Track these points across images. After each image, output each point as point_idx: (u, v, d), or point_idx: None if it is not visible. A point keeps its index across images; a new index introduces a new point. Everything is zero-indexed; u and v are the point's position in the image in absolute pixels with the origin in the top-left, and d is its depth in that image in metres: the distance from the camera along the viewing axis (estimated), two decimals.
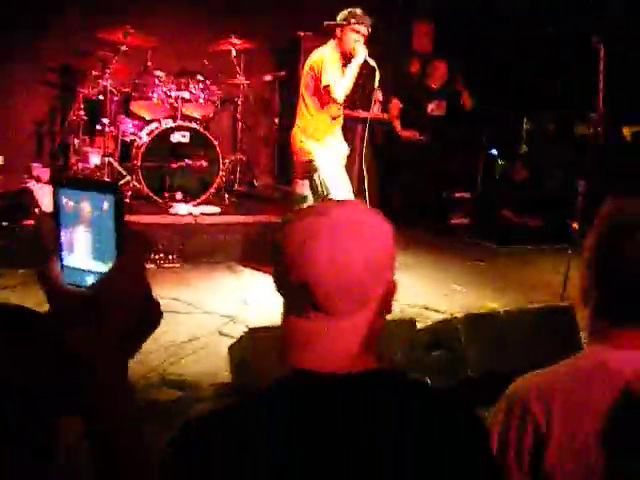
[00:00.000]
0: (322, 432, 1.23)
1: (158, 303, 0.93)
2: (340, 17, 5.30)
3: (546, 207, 7.83)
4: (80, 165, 6.72)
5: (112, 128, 6.76)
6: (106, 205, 0.91)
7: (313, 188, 5.58)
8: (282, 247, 1.28)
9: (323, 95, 5.35)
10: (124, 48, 6.60)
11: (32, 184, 6.59)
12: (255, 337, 3.62)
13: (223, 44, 7.00)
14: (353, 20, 5.23)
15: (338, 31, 5.31)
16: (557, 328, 3.90)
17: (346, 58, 5.34)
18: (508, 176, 8.58)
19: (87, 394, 0.89)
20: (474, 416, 1.36)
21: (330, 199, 5.45)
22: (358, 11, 5.27)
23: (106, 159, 6.57)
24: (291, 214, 1.39)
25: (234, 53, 7.03)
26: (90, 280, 0.92)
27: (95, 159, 6.71)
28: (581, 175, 5.80)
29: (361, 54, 5.24)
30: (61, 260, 0.94)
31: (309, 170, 5.56)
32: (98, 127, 6.85)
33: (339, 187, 5.49)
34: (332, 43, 5.38)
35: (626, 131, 8.39)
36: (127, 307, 0.90)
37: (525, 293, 5.76)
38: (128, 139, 6.91)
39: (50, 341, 0.95)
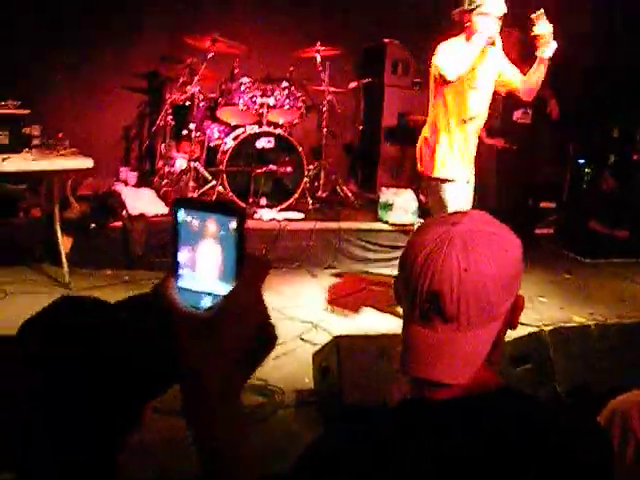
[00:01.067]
0: (457, 451, 1.20)
1: (274, 326, 0.92)
2: (466, 3, 4.55)
3: (635, 218, 7.61)
4: (166, 169, 6.84)
5: (198, 133, 6.87)
6: (231, 227, 0.90)
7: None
8: (412, 254, 1.26)
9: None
10: (211, 55, 6.69)
11: (120, 187, 6.74)
12: (339, 345, 3.60)
13: (308, 51, 7.02)
14: (479, 1, 4.48)
15: (466, 19, 4.57)
16: None
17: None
18: (596, 186, 8.35)
19: (202, 413, 0.90)
20: (605, 435, 1.32)
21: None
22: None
23: (192, 164, 6.67)
24: (423, 222, 1.40)
25: (319, 60, 7.03)
26: (206, 303, 0.91)
27: (181, 163, 6.81)
28: None
29: (484, 34, 4.48)
30: (177, 280, 0.94)
31: None
32: (184, 132, 6.96)
33: None
34: (462, 36, 4.65)
35: None
36: (245, 330, 0.90)
37: (614, 307, 5.60)
38: (214, 144, 7.00)
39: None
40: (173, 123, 6.95)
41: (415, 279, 1.24)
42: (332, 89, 7.20)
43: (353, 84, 7.65)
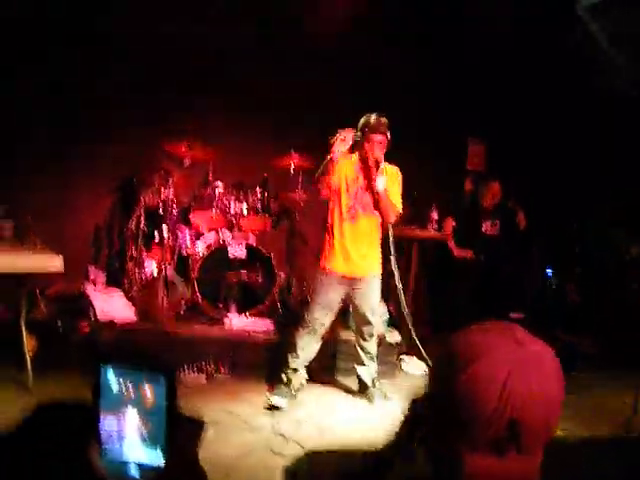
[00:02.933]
0: None
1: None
2: (358, 126, 5.28)
3: (604, 329, 7.72)
4: (137, 273, 6.81)
5: (170, 238, 6.88)
6: (160, 388, 0.87)
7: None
8: (484, 378, 1.21)
9: None
10: (187, 160, 6.78)
11: (89, 289, 6.68)
12: (310, 459, 3.54)
13: (283, 159, 7.15)
14: (367, 129, 5.22)
15: (359, 144, 5.31)
16: (625, 459, 3.76)
17: (365, 163, 5.30)
18: (562, 297, 8.49)
19: None
20: None
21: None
22: (372, 118, 5.26)
23: (163, 269, 6.66)
24: (473, 337, 1.30)
25: (293, 167, 7.15)
26: (135, 473, 0.88)
27: (152, 268, 6.79)
28: None
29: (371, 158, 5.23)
30: (103, 451, 0.90)
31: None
32: (156, 237, 6.98)
33: None
34: (356, 155, 5.42)
35: None
36: None
37: (587, 420, 5.56)
38: (185, 250, 7.01)
39: None
40: (145, 227, 6.97)
41: (491, 405, 1.18)
42: (304, 197, 7.29)
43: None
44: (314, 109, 7.63)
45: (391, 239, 5.71)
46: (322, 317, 5.54)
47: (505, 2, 8.24)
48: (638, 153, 7.97)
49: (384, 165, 5.32)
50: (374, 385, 5.88)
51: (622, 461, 3.77)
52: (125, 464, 0.87)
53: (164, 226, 6.84)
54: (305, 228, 7.48)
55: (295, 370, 5.66)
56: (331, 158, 5.13)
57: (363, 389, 5.90)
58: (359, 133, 5.29)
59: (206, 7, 7.54)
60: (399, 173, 5.56)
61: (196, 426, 0.93)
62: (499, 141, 8.89)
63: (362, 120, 5.32)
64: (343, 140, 5.10)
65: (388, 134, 5.32)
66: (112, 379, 0.88)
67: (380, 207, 5.37)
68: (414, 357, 6.94)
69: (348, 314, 6.34)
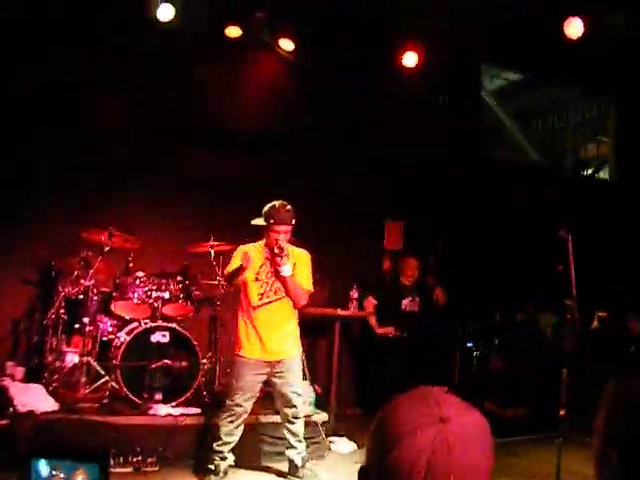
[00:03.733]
0: None
1: None
2: (263, 215, 5.55)
3: (527, 396, 7.91)
4: (57, 364, 6.66)
5: (91, 327, 6.77)
6: (91, 476, 0.90)
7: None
8: (407, 462, 1.20)
9: None
10: (107, 249, 6.75)
11: (7, 381, 6.48)
12: None
13: (202, 246, 7.17)
14: (272, 220, 5.46)
15: (264, 230, 5.59)
16: None
17: (272, 251, 5.51)
18: (485, 367, 8.67)
19: None
20: None
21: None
22: (275, 208, 5.51)
23: (84, 358, 6.54)
24: (397, 415, 1.31)
25: (213, 254, 7.17)
26: None
27: (72, 358, 6.65)
28: (561, 363, 5.97)
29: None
30: None
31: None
32: (77, 326, 6.86)
33: None
34: (262, 242, 5.70)
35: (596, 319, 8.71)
36: None
37: None
38: (107, 338, 6.90)
39: None
40: (65, 317, 6.85)
41: None
42: (225, 283, 7.30)
43: None
44: (231, 196, 7.79)
45: None
46: (243, 402, 5.58)
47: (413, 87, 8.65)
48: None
49: (289, 251, 5.53)
50: (304, 466, 5.86)
51: None
52: None
53: (85, 316, 6.73)
54: (226, 314, 7.48)
55: (223, 457, 5.62)
56: (242, 267, 5.42)
57: (294, 471, 5.88)
58: (263, 221, 5.54)
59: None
60: (308, 255, 5.79)
61: None
62: (415, 221, 9.18)
63: (266, 209, 5.55)
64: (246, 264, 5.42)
65: (293, 221, 5.54)
66: (43, 470, 0.89)
67: (289, 292, 5.56)
68: (343, 437, 6.95)
69: (271, 397, 6.35)
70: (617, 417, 1.61)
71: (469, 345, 8.90)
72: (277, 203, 5.54)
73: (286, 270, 5.47)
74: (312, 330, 6.51)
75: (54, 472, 0.88)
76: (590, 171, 11.60)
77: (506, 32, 8.60)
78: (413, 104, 8.95)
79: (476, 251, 9.12)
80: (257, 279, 5.63)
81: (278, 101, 8.43)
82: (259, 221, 5.57)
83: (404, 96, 8.75)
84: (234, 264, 5.58)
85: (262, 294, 5.63)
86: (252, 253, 5.59)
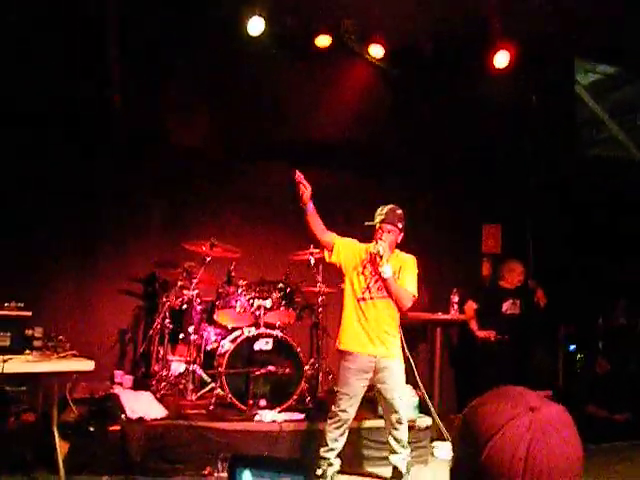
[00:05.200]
0: None
1: None
2: (375, 216, 5.60)
3: (633, 399, 7.66)
4: (163, 372, 6.83)
5: (196, 336, 6.94)
6: None
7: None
8: (507, 450, 1.23)
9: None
10: (208, 259, 6.90)
11: (118, 390, 6.69)
12: None
13: (302, 254, 7.24)
14: (378, 220, 5.53)
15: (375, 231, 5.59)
16: None
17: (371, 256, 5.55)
18: (590, 370, 8.45)
19: None
20: None
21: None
22: (385, 209, 5.57)
23: (190, 366, 6.69)
24: (486, 409, 1.34)
25: (312, 262, 7.23)
26: None
27: (178, 367, 6.83)
28: None
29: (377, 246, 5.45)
30: None
31: None
32: (181, 336, 7.05)
33: None
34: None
35: None
36: None
37: None
38: (210, 347, 7.05)
39: None
40: (170, 326, 7.03)
41: (517, 477, 1.21)
42: (326, 289, 7.36)
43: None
44: (328, 202, 7.81)
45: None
46: (349, 408, 5.58)
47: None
48: None
49: (389, 253, 5.54)
50: (409, 472, 5.83)
51: None
52: None
53: (190, 325, 6.90)
54: (328, 320, 7.53)
55: (329, 463, 5.64)
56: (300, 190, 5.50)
57: (398, 476, 5.85)
58: (374, 222, 5.56)
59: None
60: (414, 260, 5.76)
61: None
62: (513, 223, 9.06)
63: (377, 211, 5.60)
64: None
65: (400, 225, 5.52)
66: (246, 478, 0.91)
67: (390, 292, 5.52)
68: (447, 441, 6.87)
69: (375, 402, 6.35)
70: None
71: (572, 348, 8.70)
72: (389, 205, 5.61)
73: (386, 271, 5.44)
74: (413, 335, 6.48)
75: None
76: None
77: (599, 24, 8.40)
78: (505, 105, 8.81)
79: (576, 252, 8.90)
80: (362, 273, 5.65)
81: (368, 111, 8.41)
82: (371, 222, 5.59)
83: (496, 98, 8.62)
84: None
85: (366, 288, 5.63)
86: (359, 249, 5.69)
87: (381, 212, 5.60)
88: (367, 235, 5.62)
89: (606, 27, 8.33)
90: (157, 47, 7.43)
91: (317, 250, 7.10)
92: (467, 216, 8.80)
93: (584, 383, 8.38)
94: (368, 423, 6.43)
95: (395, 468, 5.86)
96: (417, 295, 5.70)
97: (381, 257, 5.44)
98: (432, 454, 6.72)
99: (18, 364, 5.04)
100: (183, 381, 6.80)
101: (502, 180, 8.79)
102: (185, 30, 7.46)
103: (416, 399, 6.68)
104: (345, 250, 5.71)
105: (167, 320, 7.04)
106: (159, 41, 7.40)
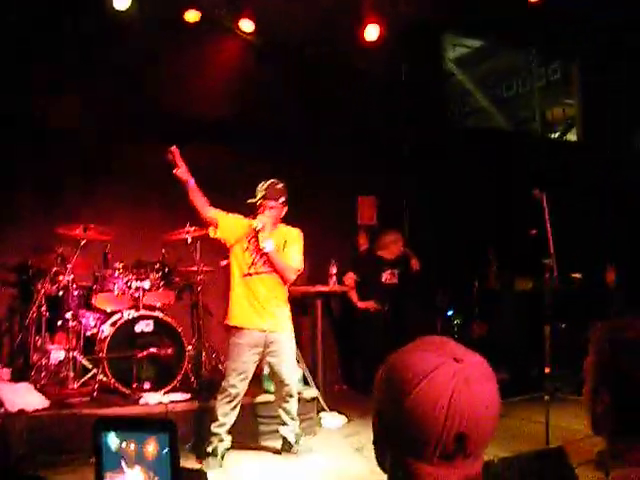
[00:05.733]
0: None
1: None
2: (257, 191, 5.64)
3: (510, 361, 7.99)
4: (43, 362, 6.63)
5: (74, 323, 6.76)
6: (163, 445, 0.92)
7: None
8: (429, 399, 1.27)
9: None
10: (83, 242, 6.71)
11: None
12: None
13: (179, 233, 7.15)
14: (260, 196, 5.58)
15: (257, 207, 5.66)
16: (553, 470, 3.87)
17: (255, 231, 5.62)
18: (466, 334, 8.76)
19: None
20: None
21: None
22: (266, 185, 5.62)
23: (70, 354, 6.53)
24: (412, 358, 1.37)
25: (189, 240, 7.16)
26: None
27: (58, 355, 6.64)
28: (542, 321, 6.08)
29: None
30: None
31: None
32: (59, 323, 6.84)
33: None
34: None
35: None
36: None
37: (508, 445, 5.71)
38: (90, 333, 6.90)
39: None
40: (47, 314, 6.81)
41: (439, 423, 1.25)
42: (204, 268, 7.31)
43: (224, 262, 7.80)
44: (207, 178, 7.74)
45: None
46: (238, 383, 5.60)
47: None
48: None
49: (270, 228, 5.63)
50: (298, 442, 5.93)
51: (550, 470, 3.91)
52: None
53: (67, 312, 6.71)
54: (208, 299, 7.50)
55: (220, 439, 5.65)
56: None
57: (288, 447, 5.95)
58: (256, 199, 5.59)
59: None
60: (299, 233, 5.84)
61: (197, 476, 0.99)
62: (386, 195, 9.24)
63: (259, 187, 5.63)
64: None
65: (282, 199, 5.57)
66: (113, 442, 0.91)
67: (274, 266, 5.61)
68: (334, 412, 7.01)
69: (263, 377, 6.40)
70: (606, 357, 1.67)
71: (449, 314, 8.99)
72: (269, 181, 5.64)
73: (267, 246, 5.52)
74: (294, 309, 6.52)
75: (124, 444, 0.90)
76: (558, 134, 11.71)
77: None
78: (379, 77, 8.95)
79: (450, 220, 9.18)
80: (247, 249, 5.68)
81: (240, 86, 8.36)
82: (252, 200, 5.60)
83: (370, 69, 8.75)
84: None
85: (252, 264, 5.66)
86: (242, 226, 5.69)
87: (262, 188, 5.62)
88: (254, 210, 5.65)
89: (471, 2, 8.61)
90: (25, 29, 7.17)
91: (193, 229, 7.06)
92: (340, 189, 8.89)
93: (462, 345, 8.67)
94: (259, 398, 6.45)
95: (285, 439, 5.95)
96: (302, 268, 5.79)
97: (261, 230, 5.49)
98: (319, 424, 6.82)
99: None
100: (64, 369, 6.61)
101: (376, 152, 8.92)
102: (52, 9, 7.23)
103: (300, 371, 6.76)
104: (229, 226, 5.71)
105: (43, 308, 6.79)
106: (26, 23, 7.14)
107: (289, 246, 5.75)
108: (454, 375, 1.28)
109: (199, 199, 5.58)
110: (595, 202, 9.90)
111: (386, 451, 1.38)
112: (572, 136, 11.59)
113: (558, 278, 6.33)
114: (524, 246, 7.04)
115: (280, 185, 5.67)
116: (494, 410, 1.31)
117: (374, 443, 1.42)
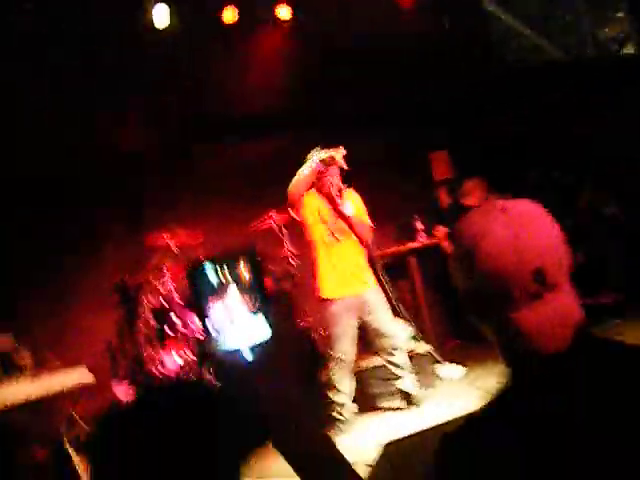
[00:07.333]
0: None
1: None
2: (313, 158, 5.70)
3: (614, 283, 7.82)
4: (161, 370, 6.80)
5: (182, 327, 6.90)
6: (246, 264, 0.99)
7: None
8: (496, 255, 1.38)
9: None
10: (174, 249, 6.87)
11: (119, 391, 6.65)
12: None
13: (263, 222, 7.22)
14: (324, 161, 5.63)
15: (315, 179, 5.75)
16: None
17: (328, 194, 5.72)
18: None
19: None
20: None
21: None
22: (327, 151, 5.66)
23: (186, 358, 6.68)
24: (467, 224, 1.49)
25: (277, 228, 7.24)
26: (247, 354, 1.00)
27: (174, 361, 6.80)
28: None
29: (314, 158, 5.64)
30: (216, 339, 1.01)
31: None
32: (168, 331, 6.99)
33: None
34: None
35: None
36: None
37: None
38: (201, 336, 7.02)
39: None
40: (155, 325, 6.96)
41: (514, 266, 1.36)
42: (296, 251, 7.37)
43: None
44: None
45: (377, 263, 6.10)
46: (348, 348, 5.65)
47: None
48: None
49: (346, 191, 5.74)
50: (416, 392, 5.93)
51: None
52: (238, 351, 0.99)
53: (174, 318, 6.86)
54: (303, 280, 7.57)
55: (343, 405, 5.71)
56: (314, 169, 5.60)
57: (408, 399, 5.94)
58: (318, 165, 5.66)
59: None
60: (357, 194, 5.96)
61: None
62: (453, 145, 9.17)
63: (317, 153, 5.70)
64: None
65: (343, 163, 5.63)
66: (209, 272, 1.00)
67: (355, 230, 5.70)
68: (450, 362, 6.95)
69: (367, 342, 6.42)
70: None
71: None
72: (323, 149, 5.70)
73: (348, 209, 5.58)
74: (390, 274, 6.51)
75: (219, 270, 0.98)
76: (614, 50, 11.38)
77: None
78: (421, 36, 8.87)
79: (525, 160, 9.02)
80: (322, 221, 5.79)
81: (289, 72, 8.41)
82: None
83: (411, 30, 8.67)
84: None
85: (331, 233, 5.78)
86: (311, 200, 5.81)
87: (324, 154, 5.68)
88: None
89: None
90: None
91: (278, 213, 7.15)
92: (400, 146, 8.87)
93: None
94: (370, 363, 6.48)
95: (402, 392, 5.96)
96: (373, 226, 5.85)
97: (341, 195, 5.56)
98: (438, 377, 6.77)
99: (18, 388, 4.93)
100: (183, 374, 6.77)
101: (435, 108, 8.84)
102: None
103: (409, 329, 6.75)
104: (306, 203, 5.81)
105: (151, 320, 6.97)
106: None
107: (356, 207, 5.88)
108: (508, 223, 1.40)
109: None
110: None
111: (482, 318, 1.49)
112: (630, 49, 11.25)
113: None
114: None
115: (336, 150, 5.68)
116: (555, 240, 1.40)
117: (469, 318, 1.53)
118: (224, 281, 1.21)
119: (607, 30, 11.48)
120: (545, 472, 1.26)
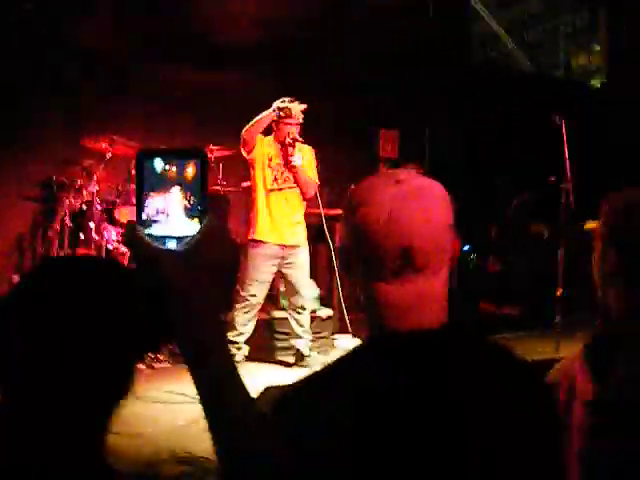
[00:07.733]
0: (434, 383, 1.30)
1: (238, 249, 1.09)
2: (273, 111, 5.80)
3: (522, 295, 8.04)
4: None
5: (97, 237, 6.81)
6: (194, 168, 1.04)
7: None
8: (372, 217, 1.34)
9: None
10: (109, 156, 6.77)
11: None
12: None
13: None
14: (284, 111, 5.77)
15: (274, 126, 5.94)
16: None
17: (282, 143, 5.86)
18: (482, 269, 8.82)
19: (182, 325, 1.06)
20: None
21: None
22: (288, 101, 5.79)
23: None
24: (361, 186, 1.46)
25: (213, 159, 7.20)
26: (172, 245, 1.04)
27: None
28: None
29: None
30: (145, 227, 1.05)
31: None
32: (82, 237, 6.90)
33: None
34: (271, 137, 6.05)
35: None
36: (220, 253, 1.07)
37: None
38: (112, 247, 6.96)
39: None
40: (71, 227, 6.87)
41: (382, 239, 1.32)
42: (228, 188, 7.38)
43: (245, 184, 7.86)
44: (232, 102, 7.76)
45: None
46: (259, 292, 5.75)
47: None
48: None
49: (299, 144, 5.83)
50: (310, 355, 6.06)
51: None
52: (164, 239, 1.02)
53: (90, 224, 6.77)
54: (230, 217, 7.57)
55: (238, 347, 5.79)
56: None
57: (300, 359, 6.08)
58: (276, 113, 5.78)
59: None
60: (312, 150, 6.08)
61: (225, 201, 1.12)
62: (407, 129, 9.25)
63: (278, 104, 5.76)
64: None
65: (301, 118, 5.72)
66: (158, 165, 1.02)
67: (299, 181, 5.77)
68: (349, 334, 7.05)
69: (280, 294, 6.52)
70: (620, 220, 1.76)
71: (466, 249, 9.05)
72: (288, 99, 5.78)
73: (297, 160, 5.65)
74: (313, 236, 6.58)
75: (167, 166, 1.01)
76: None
77: None
78: (399, 13, 8.89)
79: (473, 159, 9.18)
80: (269, 166, 5.91)
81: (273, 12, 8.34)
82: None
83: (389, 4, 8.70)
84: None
85: (275, 179, 5.91)
86: (263, 143, 5.92)
87: (283, 105, 5.73)
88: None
89: None
90: None
91: (217, 147, 7.12)
92: (358, 122, 8.91)
93: (477, 282, 8.74)
94: (277, 314, 6.59)
95: (298, 351, 6.09)
96: (318, 183, 5.94)
97: (294, 146, 5.63)
98: (333, 345, 6.90)
99: None
100: None
101: (398, 87, 8.90)
102: None
103: (317, 291, 6.85)
104: (258, 145, 5.90)
105: (67, 221, 6.87)
106: None
107: (307, 162, 5.97)
108: (394, 195, 1.34)
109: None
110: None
111: (354, 281, 1.47)
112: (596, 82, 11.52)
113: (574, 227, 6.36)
114: (542, 194, 7.07)
115: (299, 104, 5.82)
116: (437, 224, 1.35)
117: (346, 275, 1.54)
118: (169, 178, 1.22)
119: (580, 58, 11.69)
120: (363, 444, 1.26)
